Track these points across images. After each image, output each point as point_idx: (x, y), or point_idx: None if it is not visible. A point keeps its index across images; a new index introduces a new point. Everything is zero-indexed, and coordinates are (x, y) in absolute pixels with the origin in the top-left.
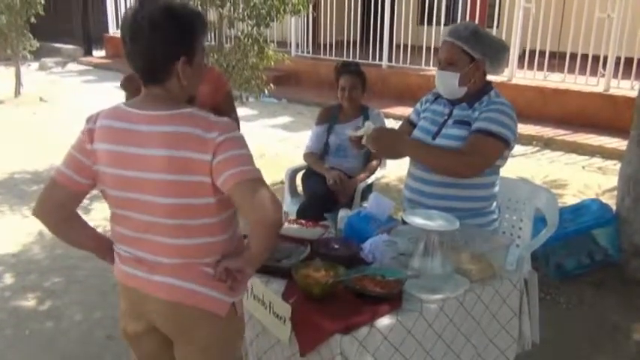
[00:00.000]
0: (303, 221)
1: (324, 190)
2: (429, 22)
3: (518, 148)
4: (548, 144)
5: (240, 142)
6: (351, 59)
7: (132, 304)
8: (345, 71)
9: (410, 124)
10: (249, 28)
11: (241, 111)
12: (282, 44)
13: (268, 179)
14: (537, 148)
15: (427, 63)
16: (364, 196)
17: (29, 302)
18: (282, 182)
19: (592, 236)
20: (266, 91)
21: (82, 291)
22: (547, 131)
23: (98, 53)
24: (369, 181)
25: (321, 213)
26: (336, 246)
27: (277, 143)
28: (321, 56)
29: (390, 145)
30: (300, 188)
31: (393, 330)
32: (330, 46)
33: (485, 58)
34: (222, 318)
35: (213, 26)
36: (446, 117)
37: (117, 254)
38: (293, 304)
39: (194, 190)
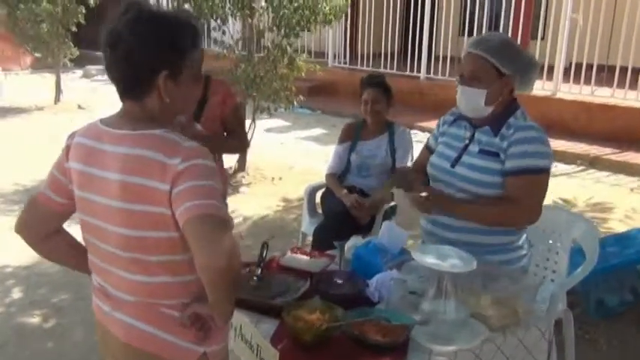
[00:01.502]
0: (307, 250)
1: (342, 211)
2: (470, 33)
3: (560, 167)
4: (593, 163)
5: (205, 172)
6: (388, 70)
7: (100, 339)
8: (369, 84)
9: (429, 150)
10: (279, 39)
11: (274, 122)
12: (320, 54)
13: (293, 194)
14: (582, 168)
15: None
16: (388, 217)
17: (34, 319)
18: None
19: (637, 271)
20: (295, 103)
21: (86, 309)
22: (593, 149)
23: None
24: (392, 202)
25: (339, 235)
26: (340, 281)
27: (307, 156)
28: (358, 67)
29: (437, 208)
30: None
31: None
32: (368, 57)
33: (515, 74)
34: None
35: (244, 36)
36: (467, 141)
37: (92, 284)
38: (281, 350)
39: (152, 222)
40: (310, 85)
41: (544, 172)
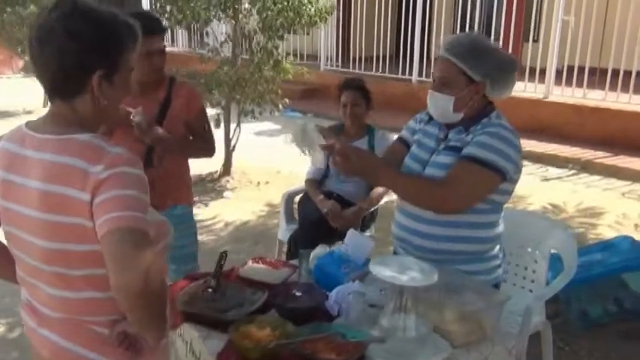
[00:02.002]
0: (269, 260)
1: (318, 217)
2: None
3: (552, 171)
4: (585, 167)
5: (129, 180)
6: (380, 73)
7: (32, 356)
8: (347, 86)
9: (402, 142)
10: (264, 41)
11: (264, 125)
12: (313, 57)
13: (278, 199)
14: (573, 172)
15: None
16: (367, 224)
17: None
18: None
19: (621, 280)
20: (281, 106)
21: None
22: (584, 153)
23: None
24: (372, 208)
25: (314, 243)
26: (298, 294)
27: (295, 160)
28: (351, 70)
29: (359, 171)
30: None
31: None
32: (360, 60)
33: (485, 79)
34: None
35: (229, 38)
36: (440, 142)
37: (21, 298)
38: None
39: (73, 234)
40: (302, 89)
41: (488, 167)
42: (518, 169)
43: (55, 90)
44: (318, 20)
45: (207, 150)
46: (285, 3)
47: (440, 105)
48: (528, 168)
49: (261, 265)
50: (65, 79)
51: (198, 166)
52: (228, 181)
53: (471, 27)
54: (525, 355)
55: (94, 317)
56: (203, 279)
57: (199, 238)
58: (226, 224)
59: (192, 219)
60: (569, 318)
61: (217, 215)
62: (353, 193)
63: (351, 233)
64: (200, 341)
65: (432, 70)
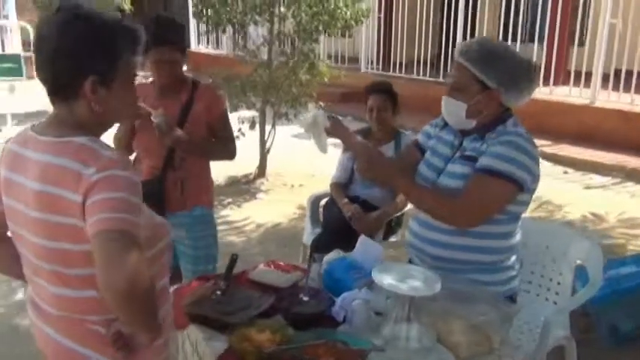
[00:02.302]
0: (281, 263)
1: (341, 221)
2: (513, 39)
3: (596, 179)
4: (630, 175)
5: (120, 183)
6: (421, 77)
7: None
8: (374, 90)
9: (417, 147)
10: (300, 44)
11: (300, 128)
12: (354, 60)
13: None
14: (618, 180)
15: None
16: (393, 230)
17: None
18: None
19: None
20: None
21: None
22: (630, 161)
23: None
24: (398, 213)
25: (335, 246)
26: (306, 299)
27: (331, 163)
28: (391, 73)
29: (376, 174)
30: None
31: None
32: (401, 63)
33: (500, 87)
34: None
35: (265, 41)
36: (455, 149)
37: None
38: None
39: (68, 234)
40: (342, 92)
41: (503, 178)
42: (536, 179)
43: (53, 93)
44: (354, 23)
45: (228, 153)
46: (321, 6)
47: (453, 111)
48: (571, 176)
49: (271, 269)
50: (59, 84)
51: (233, 168)
52: (262, 183)
53: (515, 30)
54: None
55: (92, 316)
56: (214, 281)
57: (230, 238)
58: (257, 226)
59: (211, 221)
60: (600, 333)
61: (249, 217)
62: (379, 198)
63: (362, 239)
64: (204, 343)
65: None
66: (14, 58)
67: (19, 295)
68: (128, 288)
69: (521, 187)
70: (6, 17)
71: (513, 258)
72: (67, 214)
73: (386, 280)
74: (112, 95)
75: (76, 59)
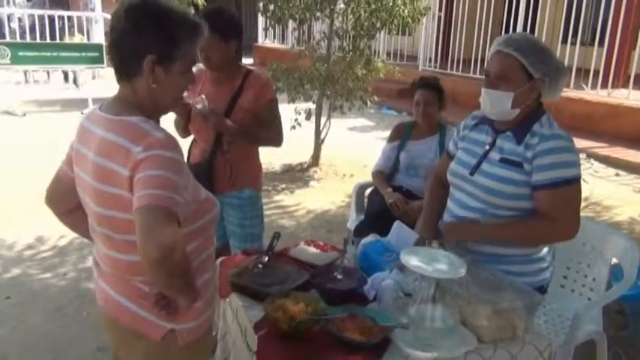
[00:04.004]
0: (321, 243)
1: (383, 210)
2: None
3: None
4: None
5: (163, 162)
6: (478, 76)
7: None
8: (421, 85)
9: (448, 156)
10: (357, 40)
11: (358, 121)
12: (412, 58)
13: None
14: None
15: (567, 84)
16: None
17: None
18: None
19: None
20: (369, 103)
21: None
22: None
23: (247, 60)
24: None
25: (375, 232)
26: (340, 277)
27: None
28: (448, 71)
29: (462, 237)
30: None
31: None
32: (459, 61)
33: (545, 78)
34: (156, 341)
35: (324, 37)
36: (487, 147)
37: None
38: (261, 337)
39: (117, 203)
40: (399, 88)
41: (575, 182)
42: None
43: (118, 72)
44: (411, 21)
45: (274, 140)
46: (379, 4)
47: (497, 102)
48: (623, 178)
49: (311, 248)
50: (124, 61)
51: (288, 156)
52: (315, 171)
53: (575, 31)
54: None
55: (136, 277)
56: (256, 255)
57: (281, 222)
58: (307, 211)
59: (258, 203)
60: (635, 331)
61: (300, 203)
62: (422, 188)
63: (397, 225)
64: (243, 310)
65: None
66: (97, 48)
67: (89, 263)
68: (161, 257)
69: (580, 180)
70: (92, 9)
71: (545, 250)
72: (116, 186)
73: (413, 261)
74: (169, 78)
75: (138, 38)
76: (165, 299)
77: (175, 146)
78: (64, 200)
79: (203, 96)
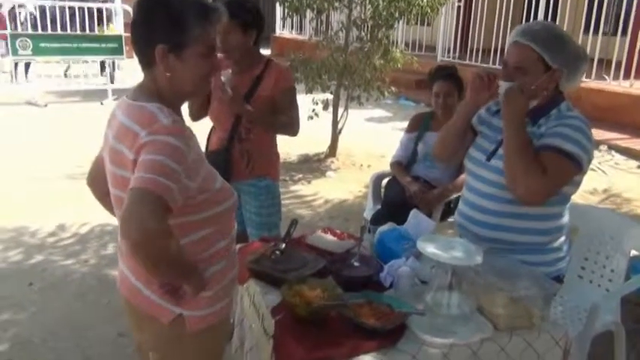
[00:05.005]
0: (338, 231)
1: (400, 199)
2: (595, 31)
3: None
4: None
5: (164, 148)
6: (498, 66)
7: None
8: (439, 76)
9: (470, 129)
10: (375, 30)
11: (375, 112)
12: (431, 48)
13: None
14: None
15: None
16: (453, 211)
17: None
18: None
19: None
20: (387, 93)
21: None
22: None
23: (264, 51)
24: (454, 196)
25: (392, 221)
26: (357, 264)
27: None
28: (467, 62)
29: (517, 110)
30: None
31: None
32: (478, 51)
33: (563, 67)
34: (165, 325)
35: (342, 27)
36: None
37: None
38: (278, 322)
39: (127, 185)
40: (417, 79)
41: (569, 159)
42: (590, 161)
43: (139, 61)
44: (430, 11)
45: (290, 128)
46: None
47: None
48: None
49: (328, 235)
50: (140, 51)
51: (305, 147)
52: (332, 162)
53: (598, 21)
54: (586, 352)
55: None
56: (274, 242)
57: (298, 211)
58: (325, 201)
59: (275, 192)
60: None
61: (318, 192)
62: (439, 178)
63: (414, 213)
64: (260, 296)
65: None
66: (117, 39)
67: (109, 250)
68: (140, 240)
69: (581, 168)
70: (112, 1)
71: (561, 239)
72: (125, 168)
73: (429, 248)
74: (183, 64)
75: (148, 28)
76: (170, 283)
77: (181, 133)
78: (101, 182)
79: (229, 70)
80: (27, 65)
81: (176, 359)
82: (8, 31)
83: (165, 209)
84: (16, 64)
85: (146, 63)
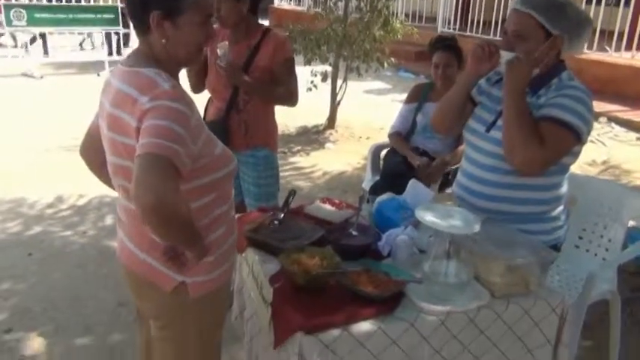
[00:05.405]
0: (336, 201)
1: (398, 170)
2: (598, 1)
3: None
4: None
5: (168, 113)
6: (498, 38)
7: None
8: (439, 47)
9: (470, 100)
10: (375, 1)
11: (375, 84)
12: (431, 19)
13: None
14: None
15: (590, 46)
16: (450, 182)
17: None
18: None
19: None
20: (386, 65)
21: None
22: None
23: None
24: (455, 167)
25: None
26: (355, 233)
27: None
28: (468, 33)
29: (521, 78)
30: None
31: (373, 337)
32: (478, 23)
33: (564, 34)
34: (167, 293)
35: None
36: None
37: None
38: (276, 290)
39: (128, 152)
40: (417, 50)
41: (567, 129)
42: (590, 132)
43: (135, 28)
44: None
45: (289, 98)
46: None
47: None
48: None
49: (326, 205)
50: (135, 19)
51: (304, 118)
52: (331, 133)
53: None
54: (582, 320)
55: None
56: (272, 212)
57: (297, 183)
58: (323, 173)
59: (274, 162)
60: None
61: (316, 164)
62: (439, 149)
63: (412, 182)
64: (259, 264)
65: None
66: (112, 10)
67: (108, 221)
68: (154, 204)
69: (580, 139)
70: None
71: (559, 208)
72: (127, 135)
73: (428, 217)
74: (178, 31)
75: None
76: (173, 251)
77: (182, 98)
78: (96, 152)
79: (226, 42)
80: (42, 37)
81: (178, 326)
82: (2, 2)
83: (175, 173)
84: (33, 38)
85: (142, 29)
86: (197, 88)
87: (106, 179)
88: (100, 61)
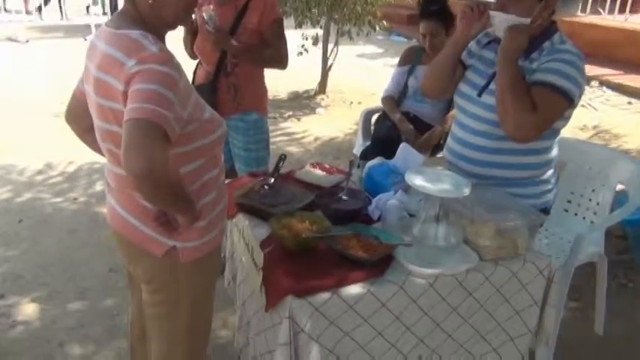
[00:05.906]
0: (327, 166)
1: (389, 135)
2: None
3: None
4: None
5: (155, 76)
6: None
7: None
8: (425, 15)
9: (460, 63)
10: None
11: (367, 48)
12: None
13: None
14: None
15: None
16: (441, 147)
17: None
18: None
19: None
20: (377, 28)
21: None
22: None
23: None
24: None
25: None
26: (345, 197)
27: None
28: None
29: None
30: None
31: (362, 300)
32: None
33: None
34: (158, 258)
35: None
36: (496, 67)
37: None
38: (267, 254)
39: (116, 117)
40: (409, 14)
41: (559, 93)
42: (581, 94)
43: None
44: None
45: (278, 61)
46: None
47: (506, 23)
48: (635, 106)
49: (317, 170)
50: None
51: (294, 83)
52: (322, 99)
53: None
54: (569, 282)
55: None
56: (262, 177)
57: (288, 149)
58: (315, 138)
59: (263, 126)
60: (635, 255)
61: (307, 130)
62: (430, 113)
63: (402, 147)
64: (249, 229)
65: None
66: None
67: (98, 187)
68: (145, 171)
69: (572, 102)
70: None
71: (550, 172)
72: (114, 100)
73: (417, 180)
74: None
75: None
76: (164, 216)
77: (170, 61)
78: (81, 118)
79: (211, 6)
80: None
81: (169, 291)
82: None
83: (164, 138)
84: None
85: None
86: (193, 53)
87: (93, 145)
88: (87, 24)
